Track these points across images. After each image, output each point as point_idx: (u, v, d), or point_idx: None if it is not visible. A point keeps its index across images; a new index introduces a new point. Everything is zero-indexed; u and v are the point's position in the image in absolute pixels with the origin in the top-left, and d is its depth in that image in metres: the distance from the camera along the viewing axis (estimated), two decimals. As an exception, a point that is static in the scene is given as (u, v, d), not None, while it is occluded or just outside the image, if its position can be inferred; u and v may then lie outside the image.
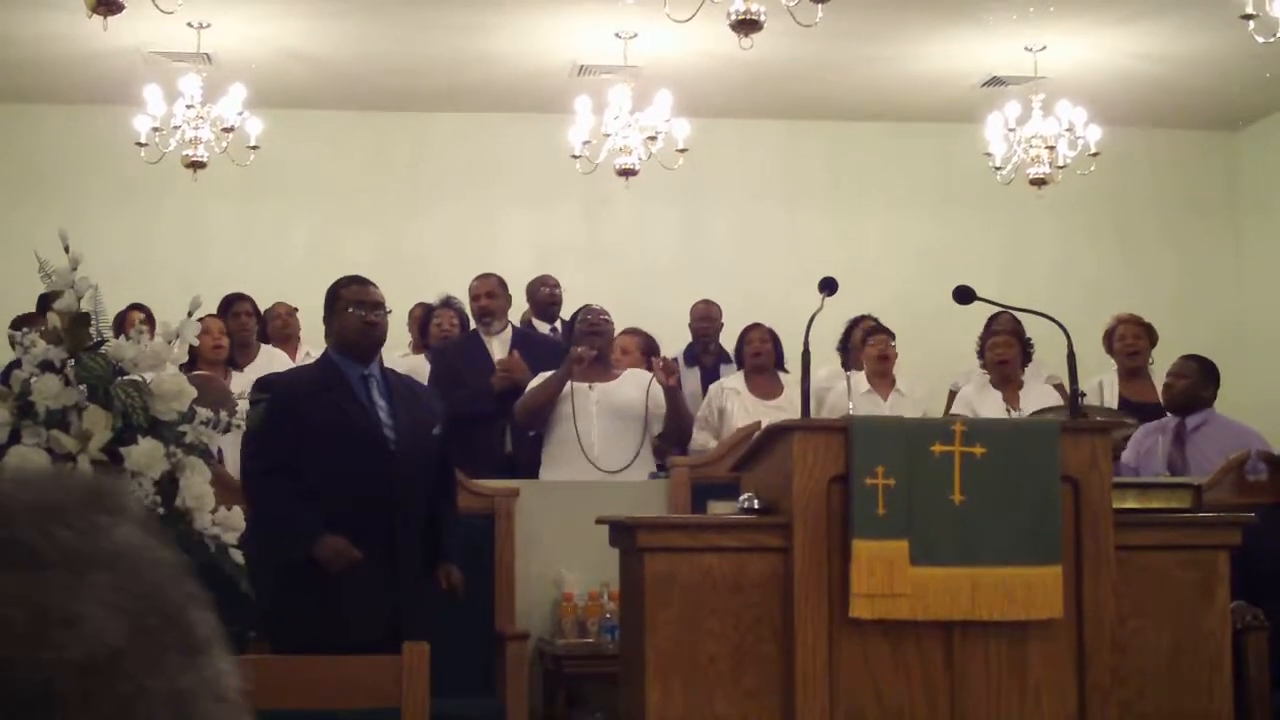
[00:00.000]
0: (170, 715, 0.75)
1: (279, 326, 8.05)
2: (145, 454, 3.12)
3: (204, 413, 3.28)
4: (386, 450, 4.45)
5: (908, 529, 3.80)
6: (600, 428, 6.27)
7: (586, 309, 6.61)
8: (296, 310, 8.17)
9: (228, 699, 0.79)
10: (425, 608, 4.48)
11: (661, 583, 3.87)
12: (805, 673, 3.80)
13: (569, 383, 6.29)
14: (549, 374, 6.39)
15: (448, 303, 8.00)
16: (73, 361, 3.19)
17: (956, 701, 3.86)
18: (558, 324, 8.05)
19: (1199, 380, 6.49)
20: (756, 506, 4.01)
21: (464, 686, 5.03)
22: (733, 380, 7.27)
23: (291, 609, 4.21)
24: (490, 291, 7.10)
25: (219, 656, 0.79)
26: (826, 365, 7.36)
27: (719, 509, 4.27)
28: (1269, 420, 7.42)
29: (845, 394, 6.77)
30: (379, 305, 4.61)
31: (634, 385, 6.44)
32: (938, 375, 8.21)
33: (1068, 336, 4.43)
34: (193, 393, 3.31)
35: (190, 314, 3.44)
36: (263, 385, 4.42)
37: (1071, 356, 4.49)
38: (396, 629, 4.30)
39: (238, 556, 3.25)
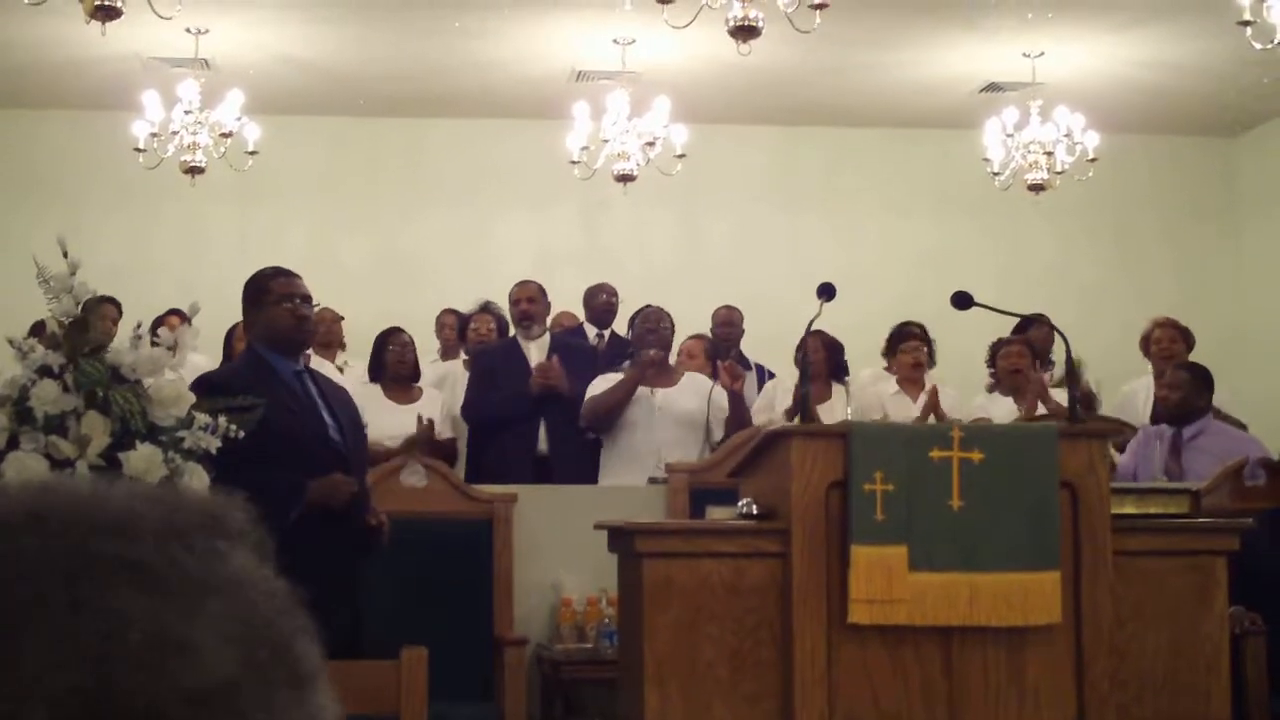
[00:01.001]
0: None
1: (322, 333, 7.97)
2: (143, 459, 3.12)
3: (202, 418, 3.28)
4: (338, 454, 4.34)
5: (906, 534, 3.80)
6: (663, 435, 6.30)
7: (645, 313, 6.68)
8: (343, 319, 8.14)
9: None
10: (386, 613, 4.45)
11: (660, 588, 3.86)
12: (803, 678, 3.80)
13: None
14: (612, 375, 6.43)
15: (486, 308, 7.94)
16: (71, 367, 3.19)
17: (955, 707, 3.86)
18: (607, 333, 8.08)
19: (1193, 391, 6.49)
20: (755, 512, 4.01)
21: (462, 692, 5.03)
22: (787, 380, 7.32)
23: None
24: (531, 297, 7.11)
25: (322, 691, 0.78)
26: (869, 368, 7.58)
27: (718, 514, 4.26)
28: (1267, 425, 7.42)
29: (880, 396, 6.85)
30: (309, 298, 4.46)
31: (694, 392, 6.49)
32: (935, 380, 8.20)
33: (1066, 342, 4.43)
34: (191, 398, 3.31)
35: (189, 320, 3.45)
36: (202, 384, 4.04)
37: (1069, 361, 4.49)
38: (357, 635, 4.28)
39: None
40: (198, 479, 3.22)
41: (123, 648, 0.71)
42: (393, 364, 6.94)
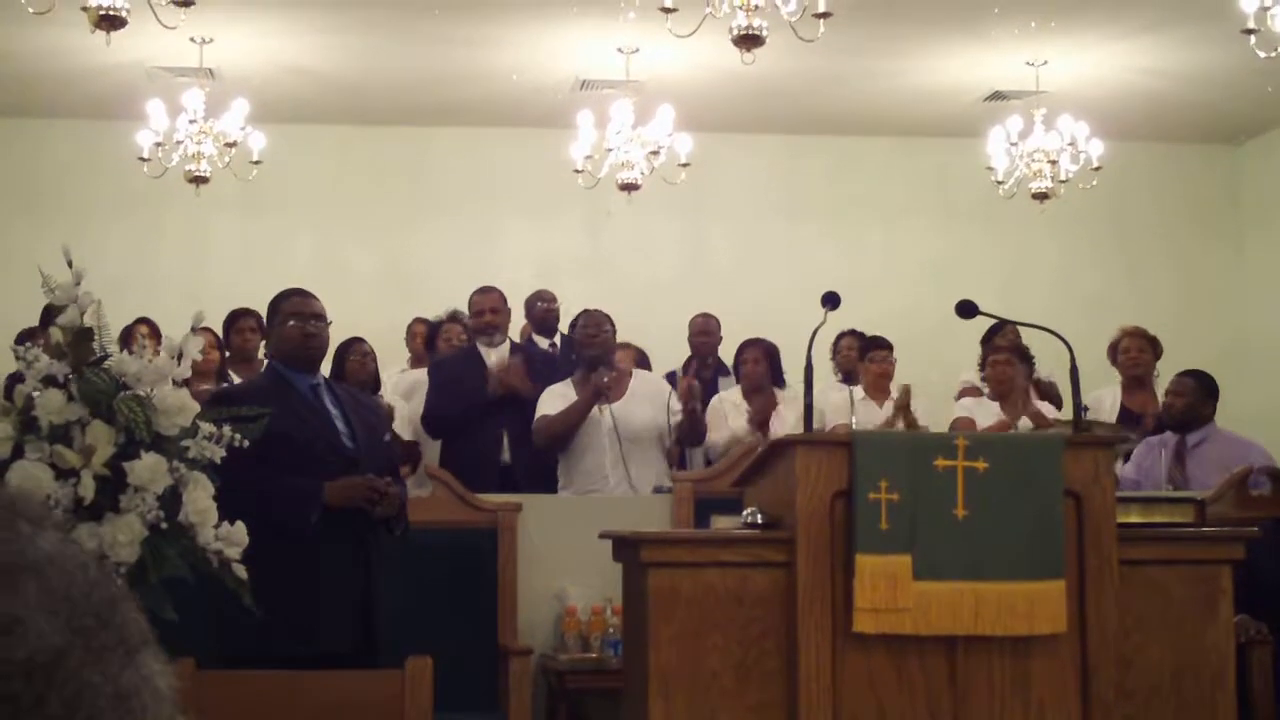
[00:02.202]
0: (114, 713, 0.77)
1: None
2: (148, 469, 3.11)
3: (207, 428, 3.28)
4: (349, 460, 4.45)
5: (911, 543, 3.80)
6: (618, 451, 6.24)
7: (586, 315, 6.61)
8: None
9: (165, 695, 0.80)
10: (389, 613, 4.49)
11: (665, 598, 3.86)
12: (808, 688, 3.80)
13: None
14: (557, 388, 6.37)
15: (454, 317, 7.98)
16: (76, 376, 3.19)
17: (960, 716, 3.85)
18: (556, 339, 8.06)
19: (1197, 398, 6.48)
20: (760, 521, 4.00)
21: (467, 701, 5.03)
22: (733, 394, 7.28)
23: (262, 614, 3.69)
24: (494, 306, 7.10)
25: (154, 654, 0.81)
26: (822, 379, 7.35)
27: (722, 524, 4.26)
28: (1271, 434, 7.41)
29: (847, 406, 6.79)
30: (318, 316, 4.62)
31: (646, 399, 6.43)
32: (939, 389, 8.21)
33: (1070, 351, 4.43)
34: (195, 408, 3.31)
35: (193, 329, 3.45)
36: (218, 398, 4.41)
37: (1074, 370, 4.48)
38: (370, 637, 4.36)
39: (241, 571, 3.24)
40: (202, 488, 3.22)
41: None
42: (353, 373, 7.15)
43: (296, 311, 4.60)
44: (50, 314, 3.50)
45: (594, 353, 6.38)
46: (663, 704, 3.82)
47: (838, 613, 3.82)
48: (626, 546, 4.14)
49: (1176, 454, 6.48)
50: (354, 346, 7.37)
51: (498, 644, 5.42)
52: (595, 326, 6.46)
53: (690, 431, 6.51)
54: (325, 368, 7.37)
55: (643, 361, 7.96)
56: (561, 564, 5.64)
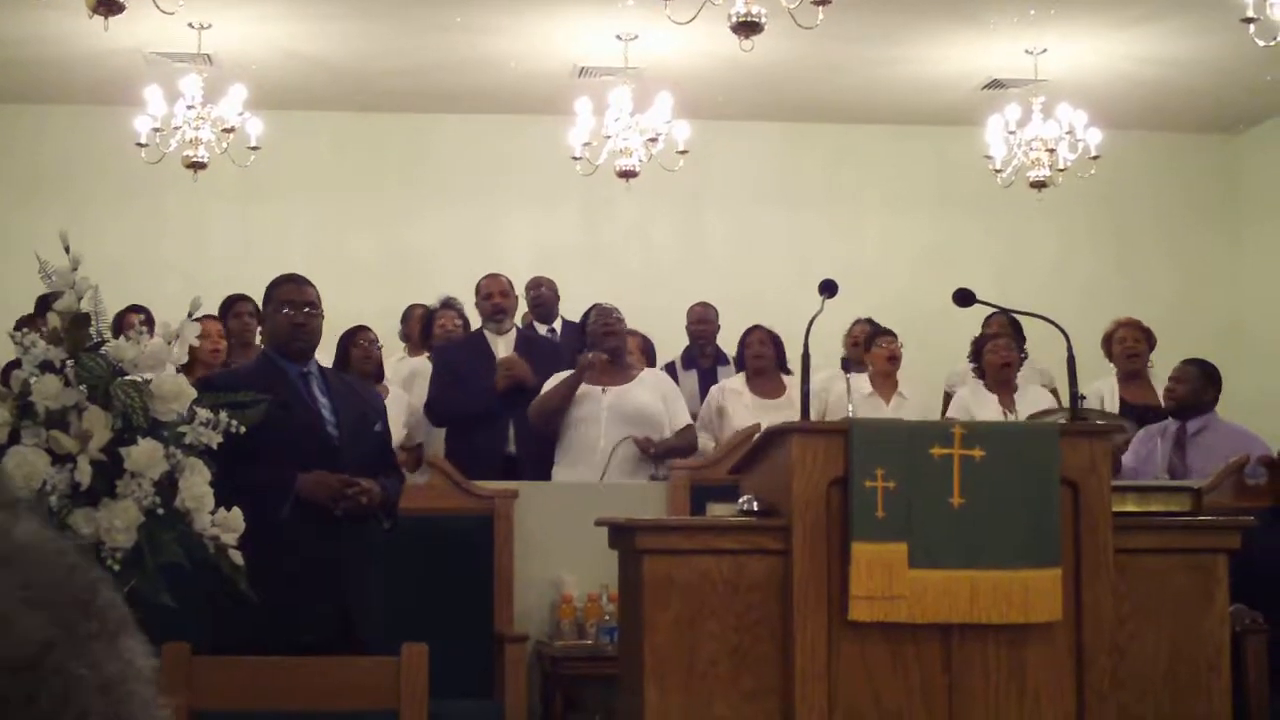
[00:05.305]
0: (104, 703, 0.75)
1: None
2: (145, 455, 3.12)
3: (204, 414, 3.28)
4: (331, 447, 4.41)
5: (907, 531, 3.80)
6: (610, 433, 6.22)
7: (598, 309, 6.56)
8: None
9: (146, 677, 0.79)
10: (376, 606, 4.45)
11: (660, 585, 3.86)
12: (804, 675, 3.80)
13: (582, 385, 6.27)
14: (566, 374, 6.37)
15: (449, 304, 7.96)
16: (73, 362, 3.19)
17: (955, 704, 3.86)
18: (556, 324, 8.04)
19: (1200, 384, 6.49)
20: (755, 509, 4.00)
21: (462, 688, 5.03)
22: (734, 381, 7.26)
23: (235, 607, 3.62)
24: (503, 290, 7.10)
25: (134, 636, 0.80)
26: (827, 368, 7.28)
27: (718, 511, 4.25)
28: (1268, 424, 7.42)
29: (845, 395, 6.78)
30: (310, 304, 4.58)
31: (650, 389, 6.41)
32: (936, 377, 8.23)
33: (1067, 339, 4.43)
34: (192, 394, 3.31)
35: (190, 315, 3.45)
36: (204, 384, 4.10)
37: (1071, 360, 4.48)
38: (347, 628, 4.31)
39: (237, 557, 3.25)
40: (199, 474, 3.23)
41: None
42: (358, 362, 6.98)
43: (288, 299, 4.57)
44: (46, 302, 3.50)
45: (614, 344, 6.37)
46: (658, 690, 3.83)
47: (833, 600, 3.82)
48: (622, 533, 4.15)
49: (1177, 442, 6.48)
50: (359, 334, 7.16)
51: (493, 631, 5.42)
52: (608, 317, 6.45)
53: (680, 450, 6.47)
54: (328, 356, 7.36)
55: (648, 347, 7.93)
56: (557, 551, 5.64)
